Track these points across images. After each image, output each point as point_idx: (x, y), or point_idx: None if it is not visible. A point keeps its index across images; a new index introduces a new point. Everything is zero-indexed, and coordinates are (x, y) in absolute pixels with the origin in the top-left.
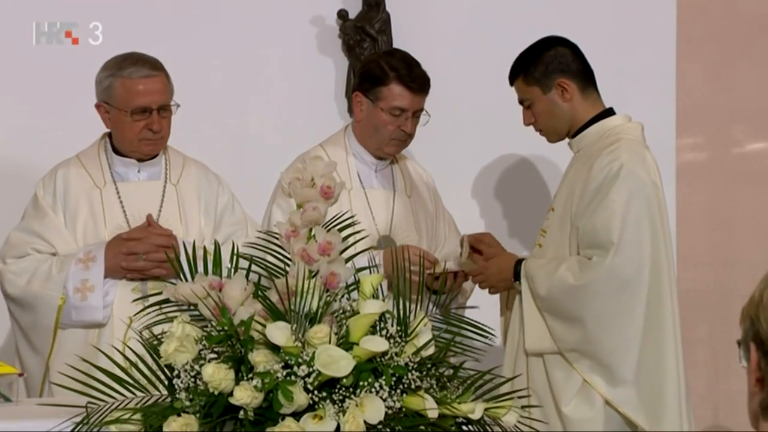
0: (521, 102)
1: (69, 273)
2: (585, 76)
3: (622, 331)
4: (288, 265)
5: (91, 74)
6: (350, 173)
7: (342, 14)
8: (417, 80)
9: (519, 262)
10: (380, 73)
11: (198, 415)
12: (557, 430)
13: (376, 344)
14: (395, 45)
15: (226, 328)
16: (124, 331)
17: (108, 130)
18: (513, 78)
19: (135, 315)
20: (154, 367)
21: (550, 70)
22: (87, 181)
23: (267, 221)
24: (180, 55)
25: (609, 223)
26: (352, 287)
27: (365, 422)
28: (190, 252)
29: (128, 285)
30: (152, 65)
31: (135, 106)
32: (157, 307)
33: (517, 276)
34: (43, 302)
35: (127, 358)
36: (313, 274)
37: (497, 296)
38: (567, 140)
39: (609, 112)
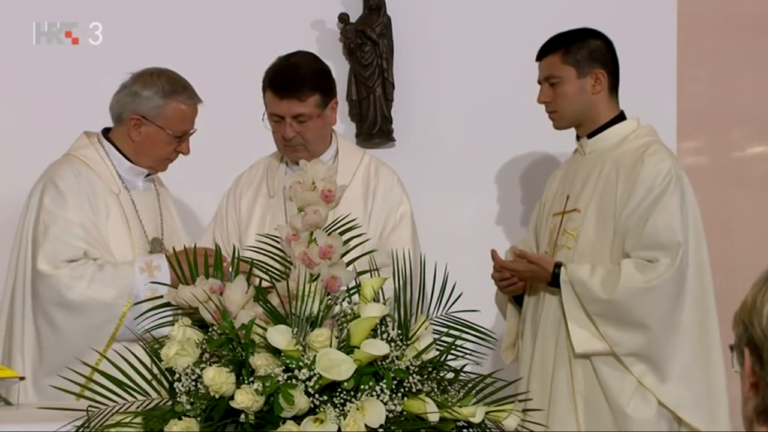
0: (547, 78)
1: (134, 281)
2: (616, 77)
3: (676, 332)
4: (289, 269)
5: (91, 74)
6: (277, 181)
7: (343, 18)
8: (285, 85)
9: (557, 265)
10: (264, 78)
11: (199, 419)
12: (614, 431)
13: (377, 348)
14: (396, 49)
15: (227, 331)
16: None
17: (95, 132)
18: (549, 51)
19: (136, 318)
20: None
21: (593, 57)
22: (102, 185)
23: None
24: (180, 57)
25: (671, 223)
26: (353, 290)
27: (366, 426)
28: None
29: None
30: (195, 92)
31: (182, 130)
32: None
33: (554, 278)
34: (108, 309)
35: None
36: (314, 277)
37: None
38: (578, 140)
39: (622, 116)
